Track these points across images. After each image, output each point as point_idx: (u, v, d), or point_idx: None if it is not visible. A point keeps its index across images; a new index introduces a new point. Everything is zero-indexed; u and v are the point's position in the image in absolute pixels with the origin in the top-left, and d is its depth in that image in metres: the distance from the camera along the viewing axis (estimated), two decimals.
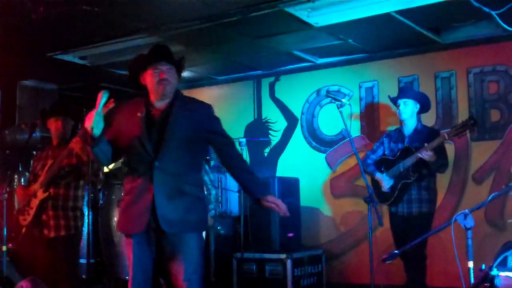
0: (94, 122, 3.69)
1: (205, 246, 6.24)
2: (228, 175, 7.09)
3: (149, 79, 3.92)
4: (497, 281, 3.66)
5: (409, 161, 5.57)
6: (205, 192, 6.08)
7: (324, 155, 7.60)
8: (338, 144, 7.48)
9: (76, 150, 5.16)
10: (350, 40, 6.75)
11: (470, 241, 3.58)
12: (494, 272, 3.63)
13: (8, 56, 7.03)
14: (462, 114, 6.67)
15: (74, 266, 5.41)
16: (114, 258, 5.88)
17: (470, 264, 3.56)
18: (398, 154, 5.75)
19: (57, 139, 5.54)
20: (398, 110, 5.80)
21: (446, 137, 5.50)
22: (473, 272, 3.57)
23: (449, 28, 6.60)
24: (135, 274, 3.85)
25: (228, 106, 8.15)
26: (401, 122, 5.87)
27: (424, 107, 5.86)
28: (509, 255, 3.93)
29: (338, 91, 7.46)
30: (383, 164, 5.85)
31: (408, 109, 5.74)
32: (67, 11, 5.59)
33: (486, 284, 3.64)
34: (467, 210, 3.63)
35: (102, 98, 3.75)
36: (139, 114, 3.91)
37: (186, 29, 6.20)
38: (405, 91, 5.93)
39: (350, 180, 7.36)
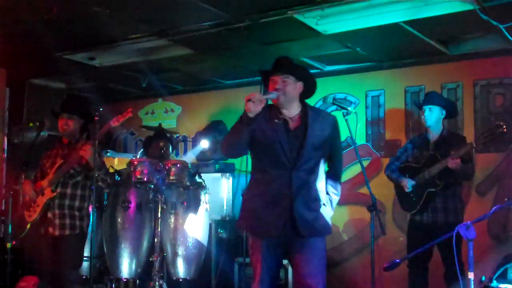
0: (254, 103, 3.84)
1: (206, 250, 6.26)
2: (233, 178, 7.14)
3: (269, 89, 4.15)
4: None
5: (435, 169, 5.46)
6: None
7: None
8: (343, 152, 7.47)
9: (85, 158, 5.22)
10: (358, 49, 6.77)
11: (471, 253, 3.59)
12: (494, 284, 3.64)
13: (18, 54, 7.09)
14: (468, 125, 6.70)
15: (76, 266, 5.44)
16: (116, 258, 5.90)
17: (471, 275, 3.57)
18: (423, 161, 5.63)
19: (66, 138, 5.56)
20: (422, 116, 5.65)
21: (474, 145, 5.41)
22: (474, 284, 3.58)
23: (457, 40, 6.61)
24: (263, 276, 4.09)
25: (234, 110, 8.16)
26: (426, 128, 5.74)
27: (450, 113, 5.74)
28: (509, 268, 3.95)
29: (345, 98, 7.48)
30: (408, 172, 5.73)
31: (433, 116, 5.60)
32: (78, 12, 5.63)
33: None
34: (469, 222, 3.64)
35: (273, 93, 4.02)
36: (276, 121, 4.11)
37: (195, 33, 6.24)
38: (431, 97, 5.74)
39: (353, 188, 7.36)
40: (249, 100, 3.83)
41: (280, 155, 4.04)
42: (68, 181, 5.41)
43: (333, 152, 4.26)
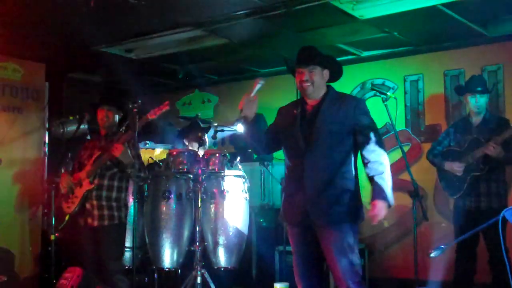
0: (244, 105, 4.18)
1: (247, 239, 6.26)
2: (271, 167, 7.12)
3: (296, 80, 4.24)
4: None
5: (479, 153, 5.38)
6: None
7: None
8: (383, 138, 7.39)
9: (116, 156, 5.29)
10: (395, 33, 6.69)
11: None
12: None
13: (56, 49, 7.17)
14: (510, 107, 6.57)
15: (118, 255, 5.50)
16: (157, 248, 5.95)
17: None
18: (466, 145, 5.53)
19: (104, 130, 5.62)
20: (475, 104, 5.50)
21: None
22: None
23: (496, 21, 6.49)
24: (297, 263, 4.17)
25: (271, 98, 8.08)
26: (468, 112, 5.66)
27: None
28: None
29: (383, 84, 7.41)
30: (450, 156, 5.63)
31: (484, 101, 5.51)
32: (114, 5, 5.66)
33: None
34: None
35: (258, 84, 4.20)
36: (295, 111, 4.22)
37: (230, 22, 6.23)
38: (482, 84, 5.60)
39: (394, 174, 7.20)
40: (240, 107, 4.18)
41: (294, 144, 4.13)
42: (105, 172, 5.47)
43: (360, 131, 4.11)
